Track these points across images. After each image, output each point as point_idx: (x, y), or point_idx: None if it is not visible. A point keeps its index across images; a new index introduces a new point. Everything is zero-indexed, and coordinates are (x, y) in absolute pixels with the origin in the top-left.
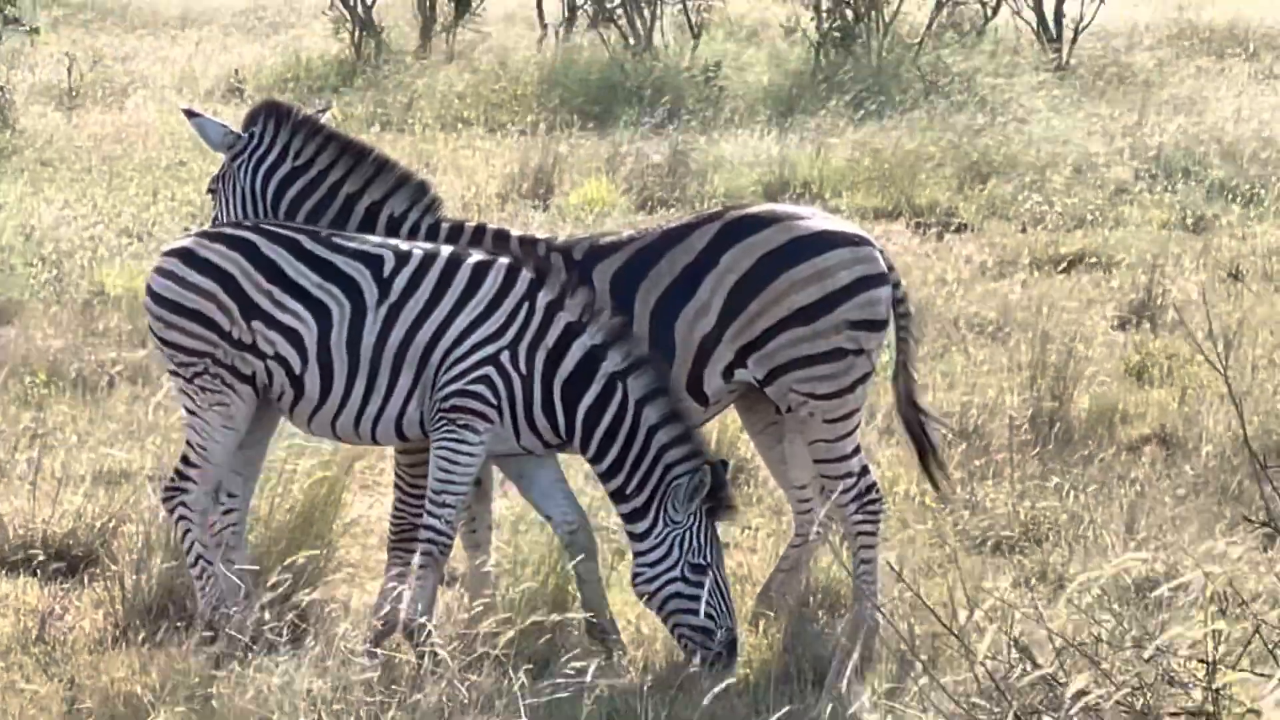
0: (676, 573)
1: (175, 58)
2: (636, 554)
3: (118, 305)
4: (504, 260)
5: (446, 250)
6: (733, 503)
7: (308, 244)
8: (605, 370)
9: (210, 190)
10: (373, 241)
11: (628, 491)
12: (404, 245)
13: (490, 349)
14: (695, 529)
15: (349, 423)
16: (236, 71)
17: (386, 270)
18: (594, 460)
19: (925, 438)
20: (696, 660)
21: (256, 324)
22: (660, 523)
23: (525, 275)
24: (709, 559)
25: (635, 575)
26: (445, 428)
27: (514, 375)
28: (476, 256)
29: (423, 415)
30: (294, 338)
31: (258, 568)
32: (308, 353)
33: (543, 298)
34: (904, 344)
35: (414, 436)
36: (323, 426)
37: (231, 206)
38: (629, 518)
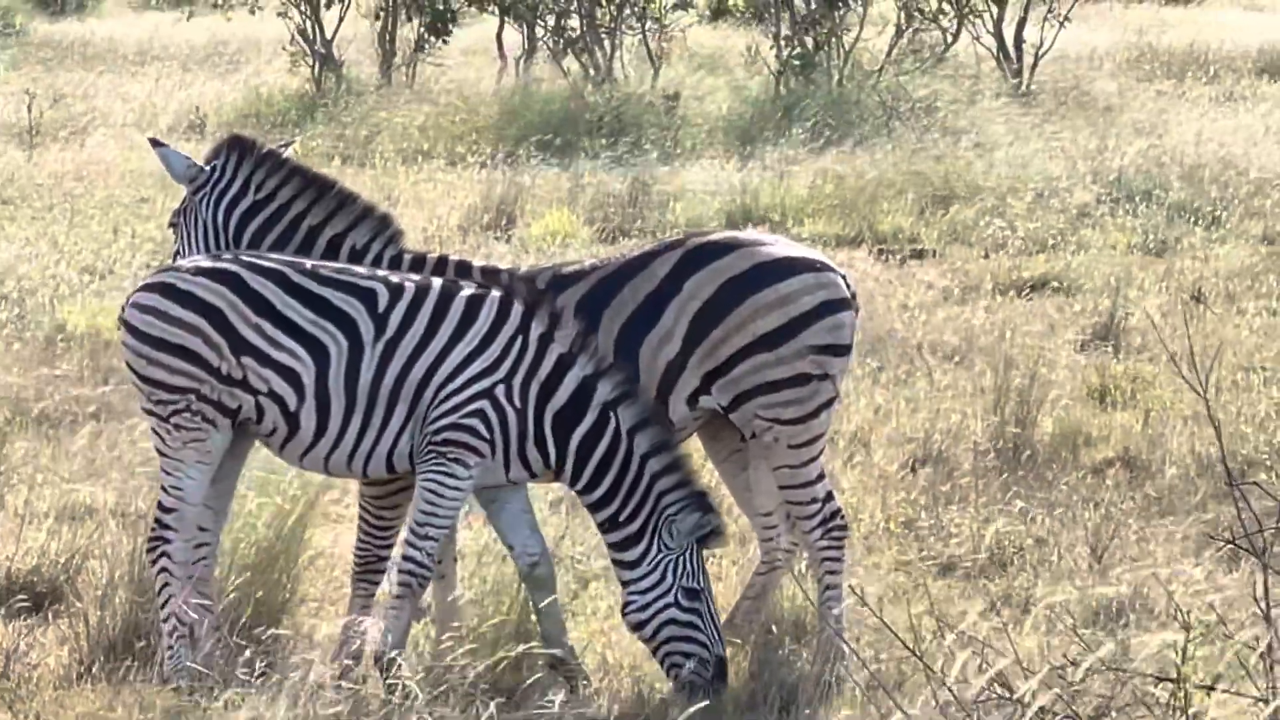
0: (670, 599)
1: (135, 94)
2: (627, 582)
3: (80, 342)
4: (496, 293)
5: (438, 283)
6: (723, 529)
7: (295, 277)
8: (598, 401)
9: (171, 224)
10: (361, 273)
11: (620, 520)
12: (394, 277)
13: (485, 383)
14: (688, 554)
15: (342, 459)
16: (197, 108)
17: (381, 305)
18: (585, 490)
19: None
20: (685, 689)
21: (247, 360)
22: (654, 548)
23: (518, 308)
24: (701, 584)
25: (627, 604)
26: (434, 461)
27: (508, 409)
28: (469, 289)
29: (413, 449)
30: (291, 376)
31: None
32: (305, 391)
33: (535, 330)
34: None
35: (404, 470)
36: (315, 463)
37: (193, 240)
38: (620, 546)
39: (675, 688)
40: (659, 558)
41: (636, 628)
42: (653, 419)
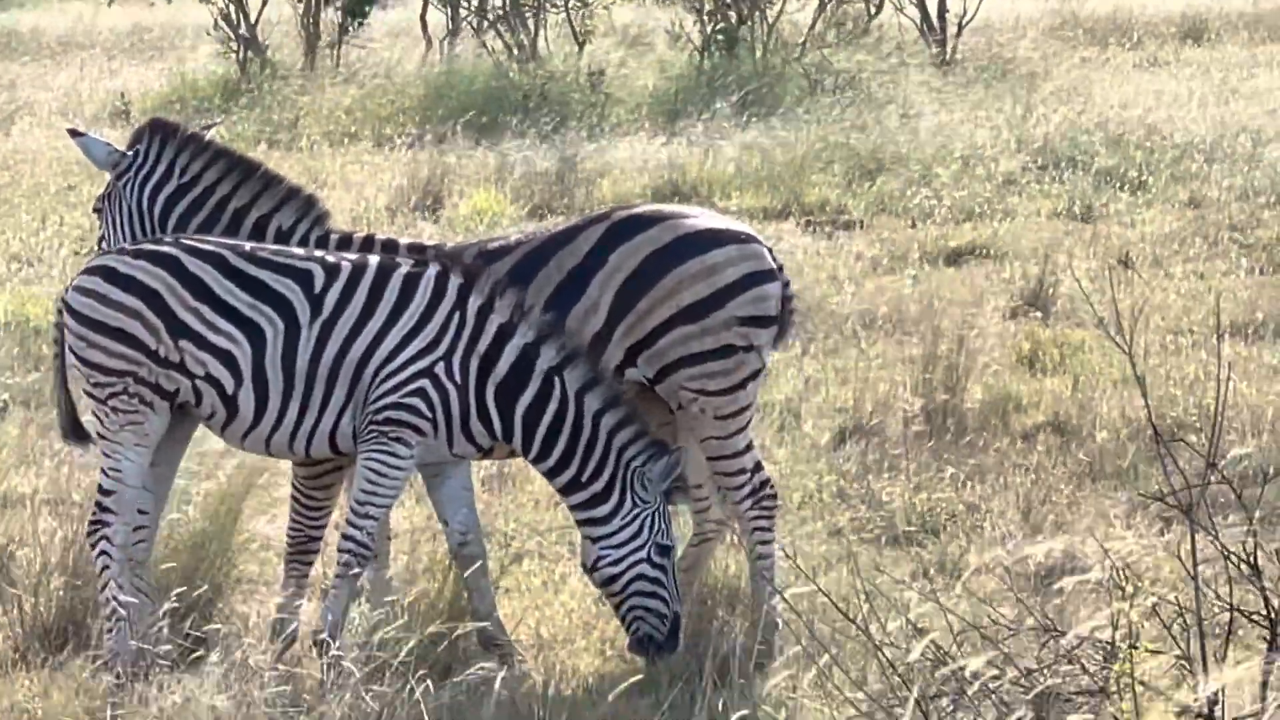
0: (644, 554)
1: (60, 83)
2: (599, 539)
3: (9, 330)
4: (433, 269)
5: (374, 261)
6: (685, 484)
7: (233, 260)
8: (540, 368)
9: (96, 210)
10: (298, 255)
11: (583, 479)
12: (331, 257)
13: (424, 362)
14: (661, 510)
15: (283, 440)
16: (122, 95)
17: (317, 286)
18: (539, 459)
19: None
20: (640, 645)
21: (185, 343)
22: (629, 502)
23: (455, 282)
24: (673, 540)
25: (599, 559)
26: (376, 440)
27: (449, 387)
28: (405, 267)
29: (356, 428)
30: (227, 359)
31: (161, 593)
32: (242, 374)
33: (473, 303)
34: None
35: (348, 450)
36: (256, 444)
37: (118, 225)
38: (588, 504)
39: (631, 643)
40: (634, 512)
41: (607, 582)
42: (600, 377)
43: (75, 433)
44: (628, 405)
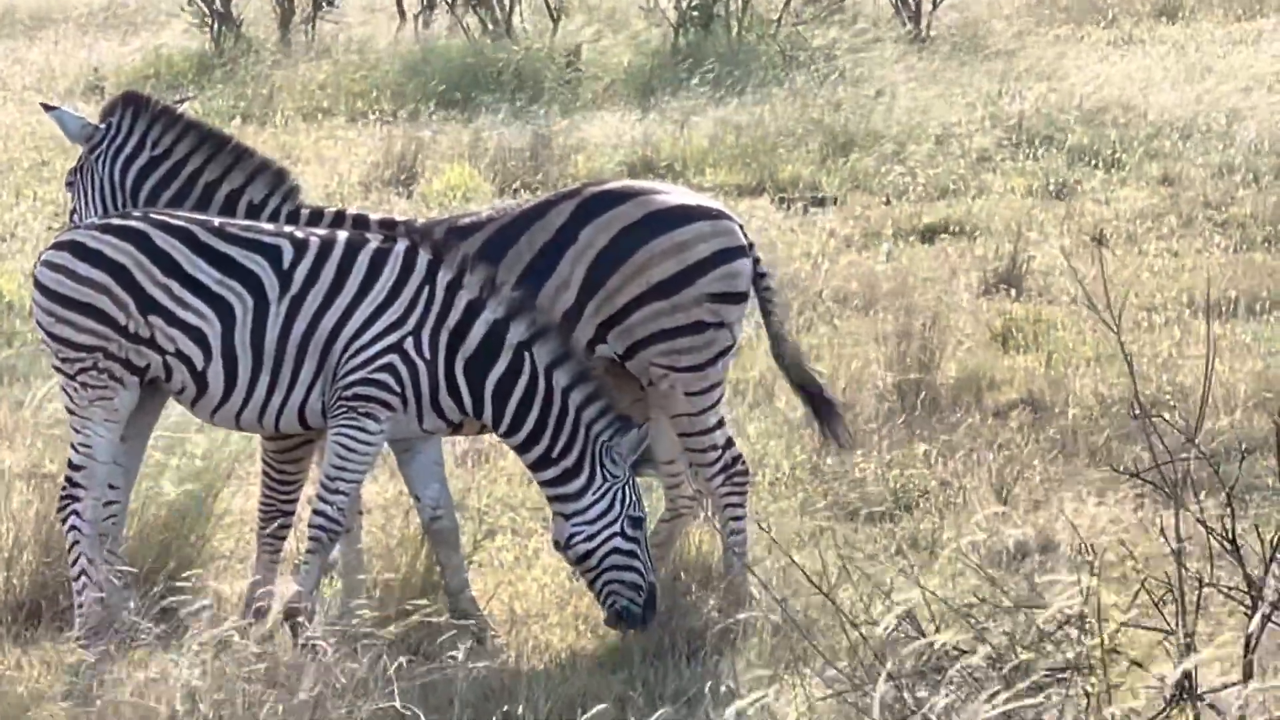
0: (618, 528)
1: (33, 59)
2: (571, 515)
3: None
4: (402, 245)
5: (343, 237)
6: (652, 456)
7: (202, 235)
8: (510, 342)
9: (68, 184)
10: (268, 230)
11: (554, 455)
12: (299, 233)
13: (394, 337)
14: (630, 483)
15: (253, 416)
16: (96, 69)
17: (286, 262)
18: (509, 433)
19: (821, 398)
20: (617, 618)
21: (154, 319)
22: (599, 477)
23: (424, 257)
24: (644, 513)
25: (572, 536)
26: (345, 415)
27: (418, 361)
28: (374, 243)
29: (325, 404)
30: (197, 335)
31: (134, 569)
32: (212, 350)
33: (442, 278)
34: (769, 317)
35: (317, 425)
36: (226, 420)
37: (90, 199)
38: (559, 480)
39: (608, 618)
40: (605, 486)
41: (581, 558)
42: (569, 353)
43: None
44: (596, 381)
